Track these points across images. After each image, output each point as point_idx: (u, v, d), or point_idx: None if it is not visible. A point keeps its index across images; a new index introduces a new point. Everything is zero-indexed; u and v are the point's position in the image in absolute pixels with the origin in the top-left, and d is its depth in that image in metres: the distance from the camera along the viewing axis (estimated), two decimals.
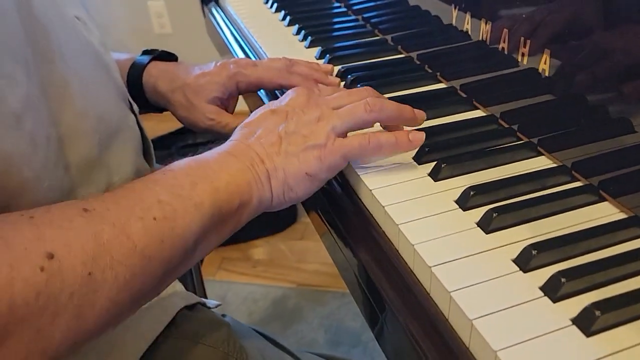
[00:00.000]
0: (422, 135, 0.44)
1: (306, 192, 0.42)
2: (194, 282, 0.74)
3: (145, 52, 0.63)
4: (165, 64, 0.61)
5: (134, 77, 0.60)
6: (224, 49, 0.84)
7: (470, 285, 0.33)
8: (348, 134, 0.43)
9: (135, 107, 0.50)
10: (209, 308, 0.54)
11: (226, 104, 0.59)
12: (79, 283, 0.29)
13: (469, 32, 0.53)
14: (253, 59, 0.72)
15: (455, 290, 0.32)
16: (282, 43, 0.71)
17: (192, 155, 0.41)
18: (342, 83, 0.59)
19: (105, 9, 2.12)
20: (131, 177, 0.46)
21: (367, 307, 0.41)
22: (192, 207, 0.36)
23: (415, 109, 0.45)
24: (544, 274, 0.33)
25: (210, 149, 0.43)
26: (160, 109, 0.63)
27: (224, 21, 0.87)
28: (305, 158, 0.41)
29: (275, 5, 0.82)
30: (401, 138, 0.43)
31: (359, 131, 0.44)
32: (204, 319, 0.51)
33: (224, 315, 0.55)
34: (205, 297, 0.81)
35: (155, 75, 0.60)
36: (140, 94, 0.61)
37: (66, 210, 0.32)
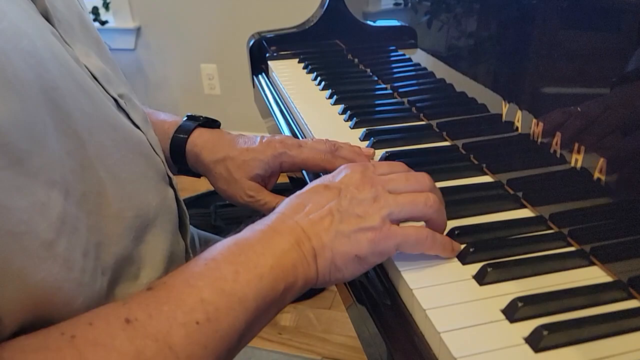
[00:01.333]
0: (460, 247, 0.44)
1: (353, 274, 0.41)
2: None
3: (189, 117, 0.63)
4: (210, 132, 0.61)
5: (178, 142, 0.61)
6: (266, 114, 0.87)
7: None
8: None
9: (174, 181, 0.50)
10: None
11: (267, 181, 0.59)
12: None
13: (519, 128, 0.52)
14: (296, 130, 0.73)
15: None
16: (327, 121, 0.72)
17: (233, 232, 0.41)
18: None
19: (161, 67, 2.23)
20: (163, 264, 0.45)
21: None
22: (236, 302, 0.35)
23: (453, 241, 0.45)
24: None
25: (261, 216, 0.43)
26: (198, 175, 0.63)
27: (270, 92, 0.90)
28: (357, 239, 0.40)
29: (322, 83, 0.84)
30: (449, 244, 0.42)
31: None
32: None
33: None
34: None
35: (200, 144, 0.60)
36: (182, 159, 0.61)
37: (109, 322, 0.31)
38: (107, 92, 0.43)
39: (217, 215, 1.62)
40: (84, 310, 0.34)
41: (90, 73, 0.42)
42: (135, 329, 0.31)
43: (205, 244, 0.77)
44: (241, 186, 0.57)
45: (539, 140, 0.49)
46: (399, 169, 0.46)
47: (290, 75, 0.91)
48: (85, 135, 0.37)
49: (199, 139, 0.60)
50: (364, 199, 0.41)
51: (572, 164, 0.44)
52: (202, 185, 1.94)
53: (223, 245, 0.39)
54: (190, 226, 0.80)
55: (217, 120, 0.64)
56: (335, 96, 0.78)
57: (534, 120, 0.49)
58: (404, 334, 0.40)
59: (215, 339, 0.34)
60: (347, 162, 0.55)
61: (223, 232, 1.45)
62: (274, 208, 0.45)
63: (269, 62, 0.97)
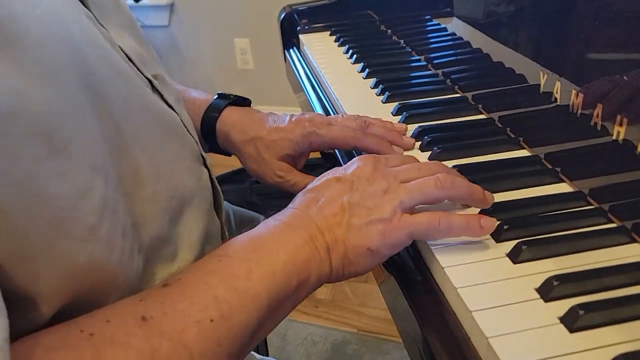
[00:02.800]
0: (494, 222, 0.42)
1: (366, 267, 0.41)
2: None
3: (220, 96, 0.63)
4: (240, 112, 0.61)
5: (209, 121, 0.61)
6: (298, 89, 0.86)
7: None
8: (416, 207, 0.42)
9: (208, 161, 0.50)
10: None
11: (296, 161, 0.59)
12: None
13: (558, 98, 0.50)
14: (327, 106, 0.72)
15: None
16: (358, 96, 0.71)
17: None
18: (418, 144, 0.57)
19: (195, 43, 2.24)
20: (200, 244, 0.45)
21: None
22: (248, 300, 0.36)
23: (485, 191, 0.44)
24: None
25: (276, 210, 0.43)
26: (229, 153, 0.64)
27: (302, 66, 0.89)
28: (368, 232, 0.40)
29: (354, 56, 0.83)
30: (473, 223, 0.41)
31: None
32: None
33: None
34: (266, 345, 0.81)
35: (230, 124, 0.60)
36: (212, 138, 0.62)
37: (125, 320, 0.32)
38: (141, 73, 0.43)
39: (253, 191, 1.63)
40: (124, 290, 0.35)
41: (125, 54, 0.42)
42: (150, 327, 0.32)
43: (240, 220, 0.78)
44: (270, 166, 0.57)
45: (579, 111, 0.46)
46: (410, 161, 0.46)
47: (321, 48, 0.90)
48: (120, 118, 0.37)
49: (229, 118, 0.60)
50: (375, 191, 0.41)
51: (614, 137, 0.42)
52: (237, 161, 1.96)
53: (237, 241, 0.39)
54: (225, 202, 0.81)
55: (247, 99, 0.63)
56: (367, 69, 0.76)
57: (574, 91, 0.47)
58: (435, 312, 0.39)
59: (229, 336, 0.34)
60: (377, 139, 0.54)
61: (258, 208, 1.46)
62: (303, 188, 0.45)
63: (300, 36, 0.96)
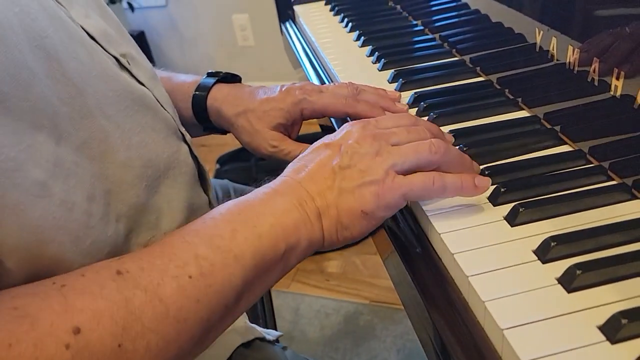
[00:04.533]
0: (488, 182, 0.41)
1: (361, 231, 0.40)
2: (264, 306, 0.74)
3: (209, 75, 0.63)
4: (229, 87, 0.61)
5: (199, 100, 0.60)
6: (297, 64, 0.85)
7: (548, 355, 0.29)
8: None
9: (188, 137, 0.50)
10: (269, 341, 0.54)
11: (290, 130, 0.58)
12: (108, 357, 0.29)
13: (555, 55, 0.48)
14: (325, 78, 0.71)
15: None
16: (354, 64, 0.70)
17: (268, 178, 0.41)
18: (415, 110, 0.56)
19: (193, 21, 2.22)
20: (183, 214, 0.45)
21: (431, 350, 0.39)
22: (232, 259, 0.35)
23: (473, 161, 0.43)
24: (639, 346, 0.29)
25: (267, 180, 0.43)
26: (224, 131, 0.63)
27: (297, 39, 0.87)
28: (361, 194, 0.39)
29: (350, 24, 0.81)
30: (467, 182, 0.40)
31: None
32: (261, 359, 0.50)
33: (284, 348, 0.54)
34: (274, 319, 0.82)
35: (220, 99, 0.60)
36: (205, 116, 0.61)
37: (100, 274, 0.32)
38: (106, 51, 0.43)
39: (258, 167, 1.63)
40: (95, 253, 0.35)
41: (87, 33, 0.41)
42: (125, 280, 0.32)
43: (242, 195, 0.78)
44: (264, 137, 0.57)
45: (576, 68, 0.45)
46: (404, 122, 0.44)
47: (317, 19, 0.88)
48: (81, 83, 0.37)
49: (219, 93, 0.60)
50: (365, 152, 0.40)
51: (612, 92, 0.41)
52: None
53: (224, 206, 0.39)
54: (225, 180, 0.81)
55: (237, 75, 0.63)
56: (362, 38, 0.75)
57: (571, 47, 0.45)
58: (434, 280, 0.39)
59: (209, 293, 0.34)
60: (369, 106, 0.53)
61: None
62: (298, 154, 0.45)
63: (294, 7, 0.94)
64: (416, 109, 0.56)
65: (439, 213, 0.41)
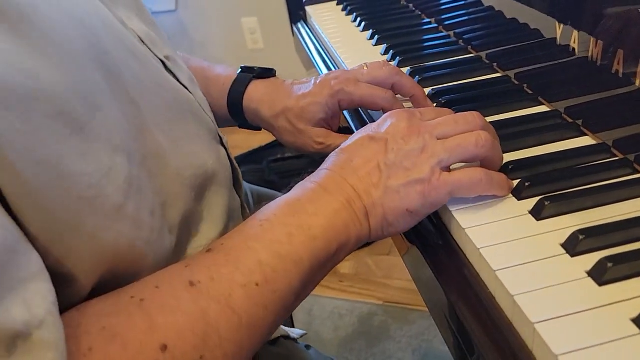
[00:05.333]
0: (513, 184, 0.42)
1: (406, 227, 0.41)
2: None
3: (244, 69, 0.61)
4: (265, 85, 0.59)
5: (235, 98, 0.59)
6: (310, 65, 0.85)
7: (582, 349, 0.29)
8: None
9: (225, 139, 0.49)
10: (293, 339, 0.53)
11: (331, 123, 0.56)
12: None
13: (576, 50, 0.48)
14: None
15: (563, 354, 0.29)
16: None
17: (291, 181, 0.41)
18: (435, 104, 0.56)
19: (203, 25, 2.23)
20: (223, 219, 0.45)
21: (455, 346, 0.38)
22: (291, 264, 0.36)
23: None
24: None
25: (309, 173, 0.42)
26: (258, 128, 0.62)
27: (310, 39, 0.87)
28: (406, 193, 0.39)
29: (363, 23, 0.81)
30: (505, 182, 0.40)
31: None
32: (287, 357, 0.50)
33: (307, 347, 0.54)
34: (291, 319, 0.81)
35: (257, 100, 0.58)
36: (240, 114, 0.60)
37: (174, 286, 0.32)
38: (154, 54, 0.43)
39: (270, 170, 1.64)
40: (155, 268, 0.35)
41: (138, 36, 0.42)
42: (199, 292, 0.32)
43: (259, 198, 0.78)
44: (308, 135, 0.55)
45: (599, 61, 0.45)
46: (446, 114, 0.44)
47: (329, 19, 0.88)
48: (138, 98, 0.37)
49: (256, 93, 0.58)
50: (411, 149, 0.40)
51: (638, 84, 0.40)
52: (254, 142, 1.96)
53: (276, 205, 0.39)
54: (244, 182, 0.80)
55: (272, 69, 0.61)
56: (376, 36, 0.75)
57: (592, 39, 0.45)
58: (458, 276, 0.38)
59: (274, 299, 0.35)
60: (408, 95, 0.53)
61: (277, 186, 1.47)
62: None
63: (306, 8, 0.94)
64: (435, 105, 0.56)
65: (462, 208, 0.41)
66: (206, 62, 0.64)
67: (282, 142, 0.58)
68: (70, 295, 0.31)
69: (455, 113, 0.44)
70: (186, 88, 0.45)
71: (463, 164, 0.42)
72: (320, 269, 0.38)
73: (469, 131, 0.41)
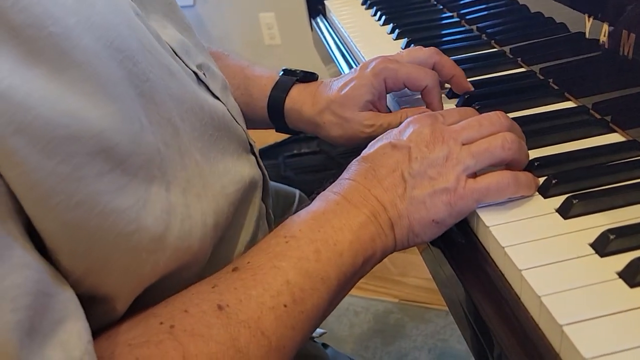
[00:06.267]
0: (539, 181, 0.40)
1: (432, 237, 0.40)
2: None
3: (285, 72, 0.59)
4: (308, 88, 0.57)
5: (276, 101, 0.57)
6: (328, 60, 0.84)
7: (612, 353, 0.28)
8: None
9: (255, 147, 0.48)
10: (311, 338, 0.53)
11: (378, 105, 0.53)
12: None
13: (606, 44, 0.46)
14: None
15: (593, 358, 0.28)
16: None
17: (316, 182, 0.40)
18: (456, 101, 0.55)
19: (220, 21, 2.23)
20: (253, 228, 0.45)
21: (475, 347, 0.37)
22: (319, 282, 0.35)
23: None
24: None
25: (330, 182, 0.41)
26: (296, 132, 0.60)
27: (329, 33, 0.86)
28: (433, 204, 0.38)
29: (383, 17, 0.80)
30: (532, 181, 0.39)
31: None
32: (305, 357, 0.49)
33: (325, 346, 0.53)
34: None
35: (299, 101, 0.56)
36: (280, 118, 0.58)
37: (203, 310, 0.32)
38: (187, 66, 0.41)
39: (286, 165, 1.63)
40: (195, 280, 0.35)
41: (171, 49, 0.40)
42: (228, 316, 0.32)
43: (276, 195, 0.77)
44: (356, 121, 0.52)
45: (630, 55, 0.43)
46: (469, 115, 0.43)
47: (348, 13, 0.87)
48: (177, 121, 0.36)
49: (297, 95, 0.57)
50: (435, 157, 0.38)
51: None
52: (270, 137, 1.96)
53: (300, 219, 0.38)
54: None
55: (314, 73, 0.59)
56: (397, 30, 0.73)
57: (625, 32, 0.43)
58: (482, 274, 0.38)
59: (302, 319, 0.34)
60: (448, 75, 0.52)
61: (292, 182, 1.46)
62: (398, 126, 0.43)
63: (325, 2, 0.93)
64: (458, 99, 0.54)
65: (486, 205, 0.40)
66: (245, 60, 0.62)
67: (330, 140, 0.56)
68: (104, 313, 0.31)
69: (479, 112, 0.43)
70: (218, 99, 0.44)
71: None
72: (346, 283, 0.38)
73: (494, 133, 0.40)
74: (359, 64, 0.71)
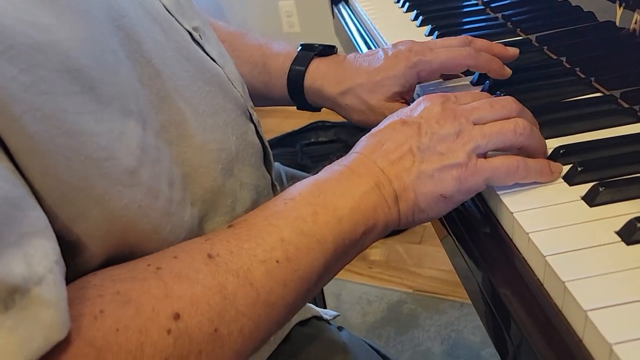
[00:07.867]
0: (561, 168, 0.40)
1: (438, 214, 0.39)
2: None
3: (304, 47, 0.58)
4: (328, 63, 0.56)
5: (295, 78, 0.56)
6: (349, 49, 0.83)
7: (638, 339, 0.28)
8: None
9: (255, 116, 0.48)
10: (325, 320, 0.53)
11: (406, 96, 0.53)
12: (206, 341, 0.30)
13: (637, 32, 0.46)
14: None
15: (618, 343, 0.28)
16: None
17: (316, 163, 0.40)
18: (480, 88, 0.54)
19: (240, 8, 2.23)
20: (251, 197, 0.45)
21: (496, 335, 0.37)
22: (315, 243, 0.35)
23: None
24: None
25: (338, 156, 0.41)
26: (317, 109, 0.59)
27: (352, 21, 0.86)
28: (441, 178, 0.38)
29: (407, 4, 0.79)
30: (546, 167, 0.38)
31: None
32: (318, 338, 0.50)
33: (340, 328, 0.54)
34: (323, 300, 0.82)
35: (320, 78, 0.55)
36: (300, 94, 0.57)
37: (192, 257, 0.32)
38: (180, 24, 0.42)
39: (304, 153, 1.64)
40: (173, 240, 0.35)
41: (163, 5, 0.40)
42: (217, 265, 0.32)
43: (292, 180, 0.77)
44: (381, 111, 0.52)
45: None
46: (482, 98, 0.42)
47: (372, 0, 0.86)
48: (159, 64, 0.36)
49: (318, 72, 0.56)
50: (446, 134, 0.38)
51: None
52: (287, 126, 1.96)
53: (302, 185, 0.38)
54: (277, 163, 0.80)
55: (333, 46, 0.58)
56: (420, 17, 0.73)
57: None
58: (504, 261, 0.37)
59: (295, 278, 0.34)
60: (489, 57, 0.50)
61: (310, 170, 1.47)
62: None
63: None
64: (481, 87, 0.54)
65: (510, 191, 0.40)
66: (263, 38, 0.61)
67: (348, 120, 0.56)
68: (80, 264, 0.30)
69: (493, 97, 0.42)
70: (214, 61, 0.44)
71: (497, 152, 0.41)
72: (344, 252, 0.37)
73: (506, 116, 0.40)
74: None
